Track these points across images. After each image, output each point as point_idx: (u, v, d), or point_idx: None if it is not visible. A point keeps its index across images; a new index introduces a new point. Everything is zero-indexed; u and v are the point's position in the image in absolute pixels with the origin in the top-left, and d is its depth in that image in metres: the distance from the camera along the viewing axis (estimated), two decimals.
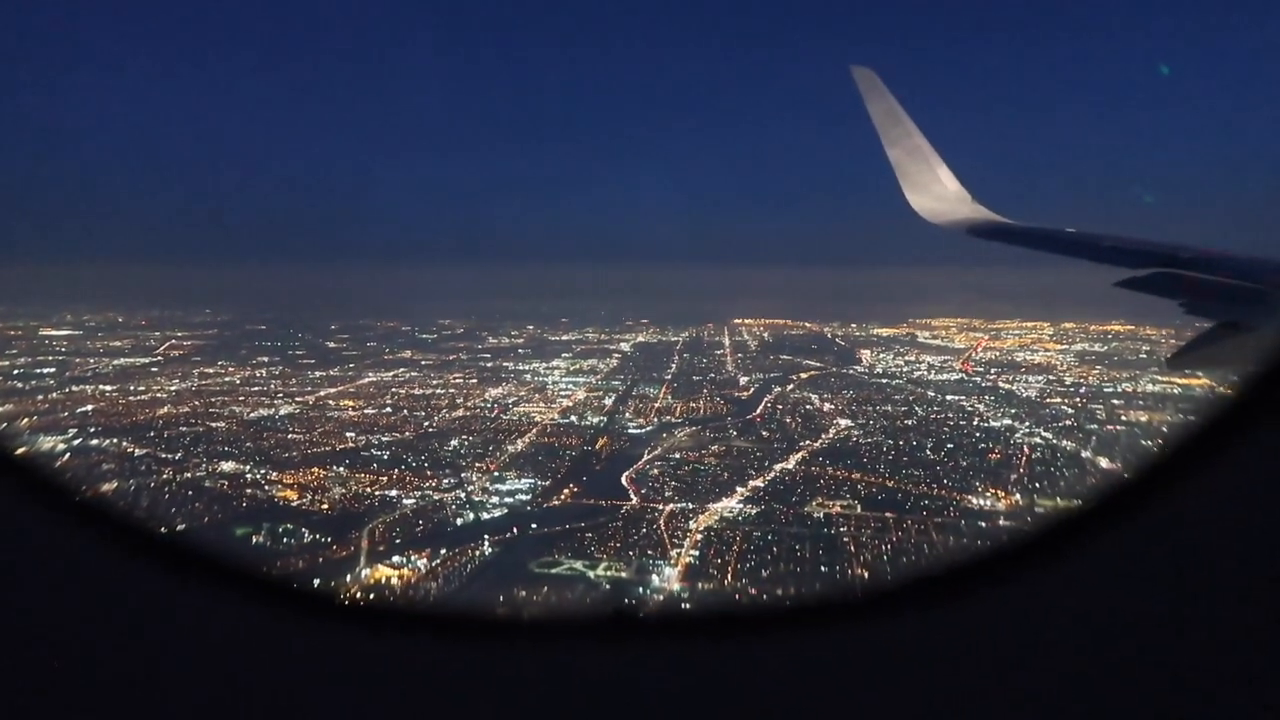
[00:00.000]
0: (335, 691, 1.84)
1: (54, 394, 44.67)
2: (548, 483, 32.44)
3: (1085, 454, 35.32)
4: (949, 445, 37.18)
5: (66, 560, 2.00)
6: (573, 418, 43.04)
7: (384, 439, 38.06)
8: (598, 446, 38.12)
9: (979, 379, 52.48)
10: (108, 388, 46.54)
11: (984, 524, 28.17)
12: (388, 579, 23.29)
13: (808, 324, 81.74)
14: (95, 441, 34.80)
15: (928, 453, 36.16)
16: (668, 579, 24.52)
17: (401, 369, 56.02)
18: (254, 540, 24.75)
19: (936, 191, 12.94)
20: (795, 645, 1.91)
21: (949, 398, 46.81)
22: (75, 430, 36.43)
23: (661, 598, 22.96)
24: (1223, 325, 6.79)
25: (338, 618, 2.08)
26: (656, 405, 46.07)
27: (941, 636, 1.84)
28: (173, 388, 47.78)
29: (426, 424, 41.02)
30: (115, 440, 35.44)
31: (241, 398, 45.88)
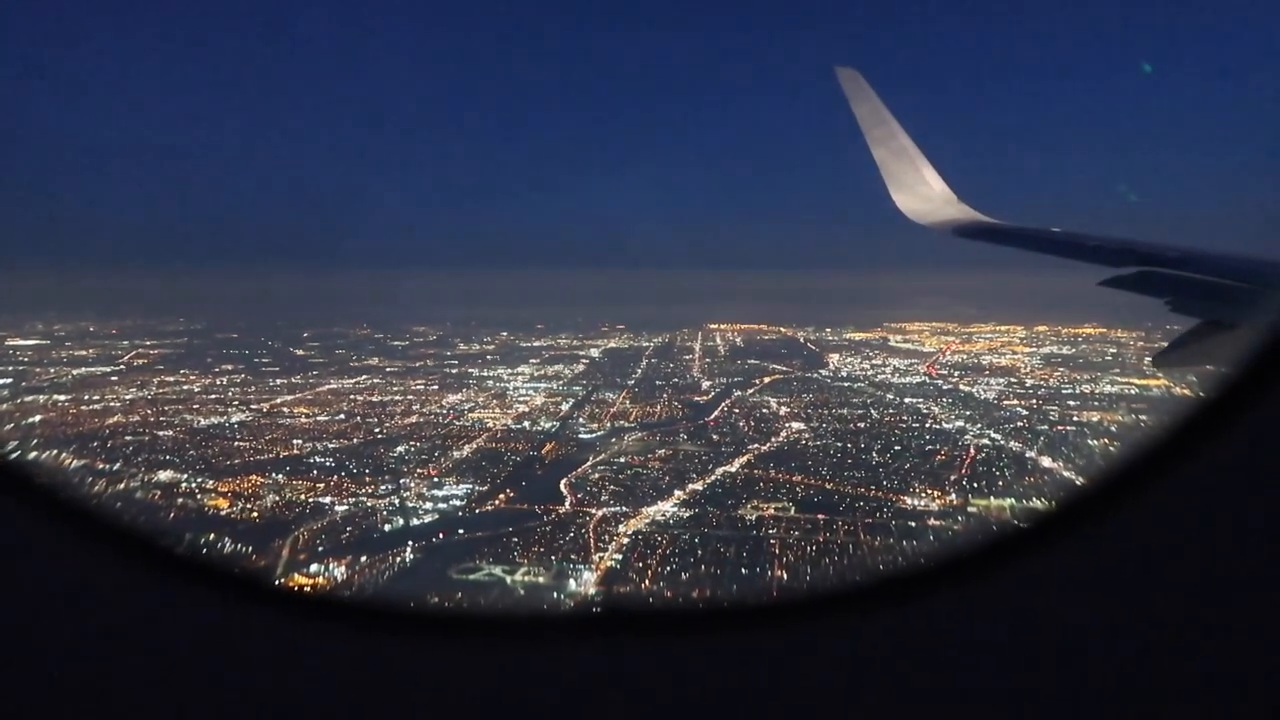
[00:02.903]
0: (327, 692, 1.83)
1: (5, 405, 44.28)
2: (485, 488, 32.22)
3: (1030, 454, 35.43)
4: (897, 447, 37.15)
5: (57, 563, 1.99)
6: (526, 423, 42.87)
7: (330, 446, 37.80)
8: (544, 452, 37.93)
9: (941, 382, 52.55)
10: (62, 398, 46.06)
11: (914, 524, 28.16)
12: (300, 588, 23.08)
13: (782, 329, 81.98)
14: (34, 454, 34.48)
15: (874, 455, 36.12)
16: (585, 583, 24.42)
17: (364, 376, 55.79)
18: None
19: (922, 192, 12.91)
20: (789, 640, 1.89)
21: (907, 400, 46.85)
22: (16, 443, 36.00)
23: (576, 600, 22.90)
24: (1207, 323, 6.75)
25: (330, 618, 2.07)
26: (613, 410, 45.92)
27: (937, 632, 1.83)
28: (128, 396, 47.27)
29: (377, 430, 40.83)
30: (55, 452, 35.07)
31: (196, 406, 45.61)
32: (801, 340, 74.60)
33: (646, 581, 23.82)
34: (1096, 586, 1.80)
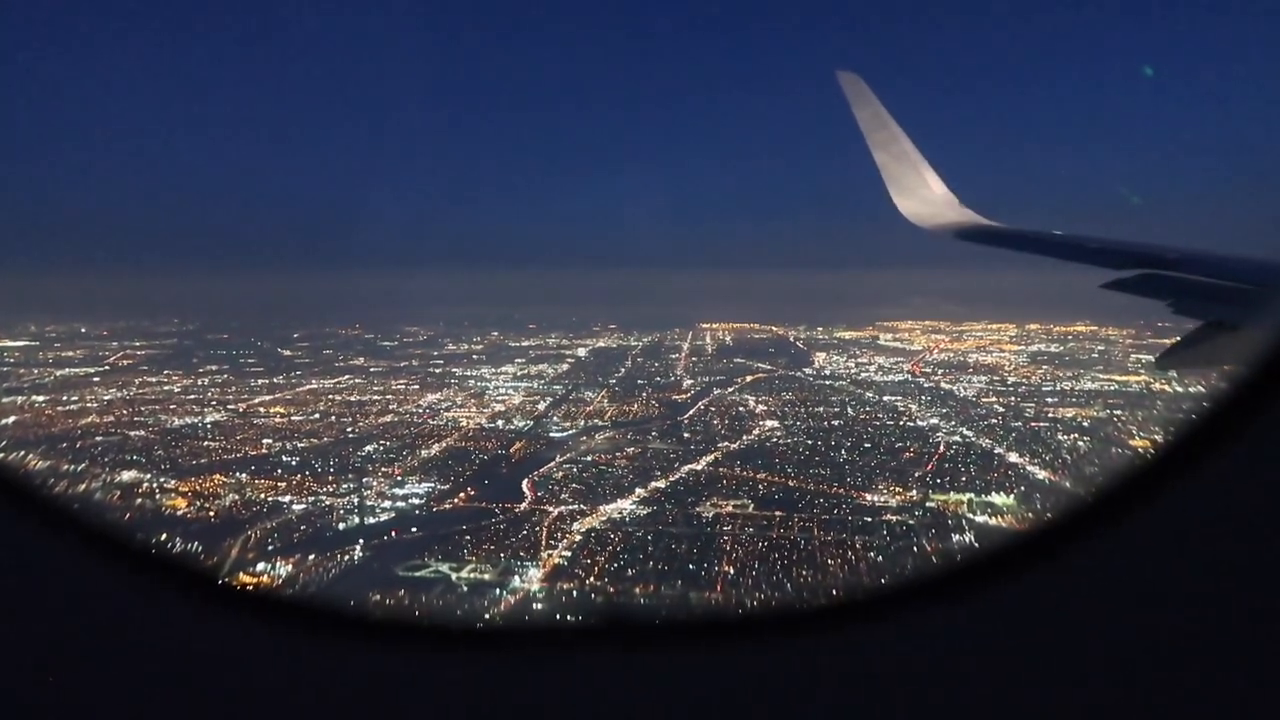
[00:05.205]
0: (329, 703, 1.83)
1: None
2: (447, 486, 32.11)
3: (999, 450, 35.26)
4: (867, 445, 37.03)
5: (43, 566, 2.02)
6: (500, 422, 42.77)
7: (300, 445, 37.73)
8: (512, 450, 37.79)
9: (924, 380, 52.40)
10: (40, 398, 46.08)
11: (870, 519, 28.02)
12: (253, 588, 22.95)
13: (773, 327, 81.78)
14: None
15: (843, 453, 36.00)
16: (530, 580, 24.34)
17: (347, 376, 55.71)
18: None
19: (923, 195, 12.92)
20: (790, 650, 1.90)
21: (886, 398, 46.70)
22: None
23: (519, 599, 22.80)
24: (1210, 325, 6.71)
25: (331, 630, 2.07)
26: (590, 409, 45.79)
27: (936, 641, 1.84)
28: (107, 397, 47.21)
29: (349, 430, 40.76)
30: (21, 453, 35.09)
31: (174, 406, 45.60)
32: (791, 339, 74.46)
33: (591, 579, 23.72)
34: (1102, 591, 1.79)
